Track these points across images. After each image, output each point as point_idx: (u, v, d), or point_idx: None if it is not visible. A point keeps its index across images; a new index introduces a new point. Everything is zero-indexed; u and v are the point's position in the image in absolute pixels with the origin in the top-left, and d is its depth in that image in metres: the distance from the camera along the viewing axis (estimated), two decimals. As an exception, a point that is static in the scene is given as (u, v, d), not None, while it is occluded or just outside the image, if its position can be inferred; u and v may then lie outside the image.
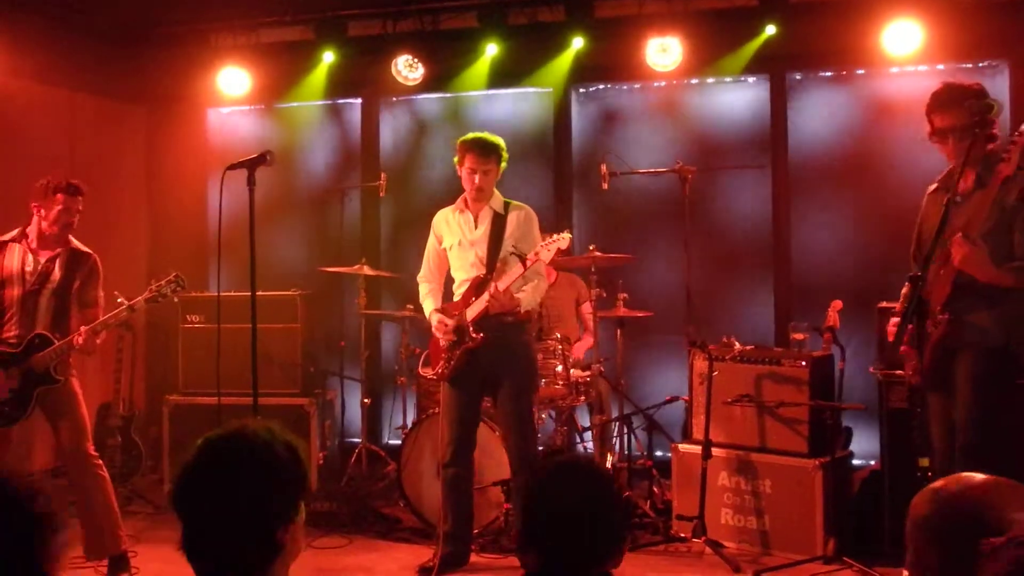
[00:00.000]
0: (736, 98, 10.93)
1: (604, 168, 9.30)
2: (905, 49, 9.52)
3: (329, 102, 12.04)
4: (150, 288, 7.74)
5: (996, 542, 2.30)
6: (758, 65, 10.36)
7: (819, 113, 10.61)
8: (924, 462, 5.38)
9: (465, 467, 7.86)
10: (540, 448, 8.38)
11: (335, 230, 10.72)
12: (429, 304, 8.03)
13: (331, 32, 11.10)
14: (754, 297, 10.67)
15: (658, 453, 9.56)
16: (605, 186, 9.35)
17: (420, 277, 8.15)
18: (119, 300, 7.64)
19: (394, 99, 11.91)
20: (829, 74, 10.66)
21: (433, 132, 11.84)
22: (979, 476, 2.77)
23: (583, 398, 9.18)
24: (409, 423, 9.58)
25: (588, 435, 9.55)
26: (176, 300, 8.01)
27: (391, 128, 12.02)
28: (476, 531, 8.16)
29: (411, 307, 9.52)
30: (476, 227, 7.83)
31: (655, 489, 9.13)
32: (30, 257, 7.53)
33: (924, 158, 9.29)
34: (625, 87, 11.34)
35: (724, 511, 8.36)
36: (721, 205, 10.72)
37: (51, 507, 2.66)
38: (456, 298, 7.90)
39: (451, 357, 7.75)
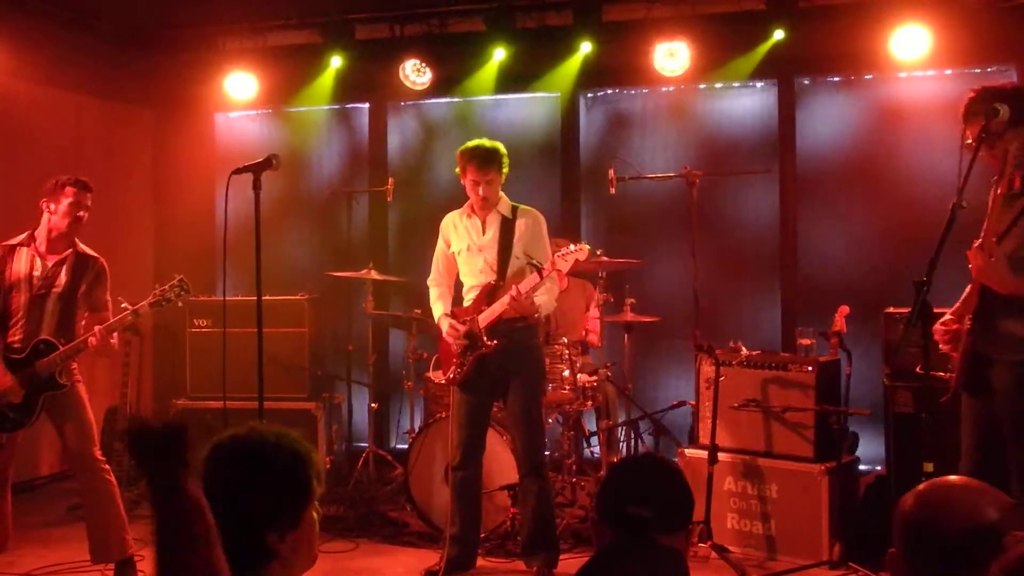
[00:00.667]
0: (744, 103, 10.92)
1: (612, 172, 9.29)
2: (913, 54, 9.50)
3: (337, 106, 12.04)
4: (154, 293, 7.71)
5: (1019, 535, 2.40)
6: (766, 70, 10.35)
7: (827, 118, 10.60)
8: (929, 467, 5.35)
9: (474, 471, 7.84)
10: (547, 453, 8.38)
11: (343, 234, 10.73)
12: (439, 309, 8.00)
13: (338, 36, 11.10)
14: (761, 302, 10.67)
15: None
16: (612, 190, 9.34)
17: (430, 281, 8.12)
18: (123, 305, 7.63)
19: (402, 103, 11.92)
20: (837, 79, 10.65)
21: (441, 136, 11.84)
22: (953, 478, 2.92)
23: (590, 403, 9.17)
24: (416, 427, 9.57)
25: (595, 439, 9.54)
26: (181, 304, 7.97)
27: (399, 132, 12.03)
28: (483, 535, 8.16)
29: (419, 311, 9.53)
30: (484, 232, 7.79)
31: (662, 493, 9.11)
32: (38, 261, 7.52)
33: (932, 163, 9.32)
34: (633, 92, 11.34)
35: (730, 516, 8.35)
36: (729, 210, 10.72)
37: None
38: (466, 303, 7.88)
39: (463, 362, 7.73)
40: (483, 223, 7.80)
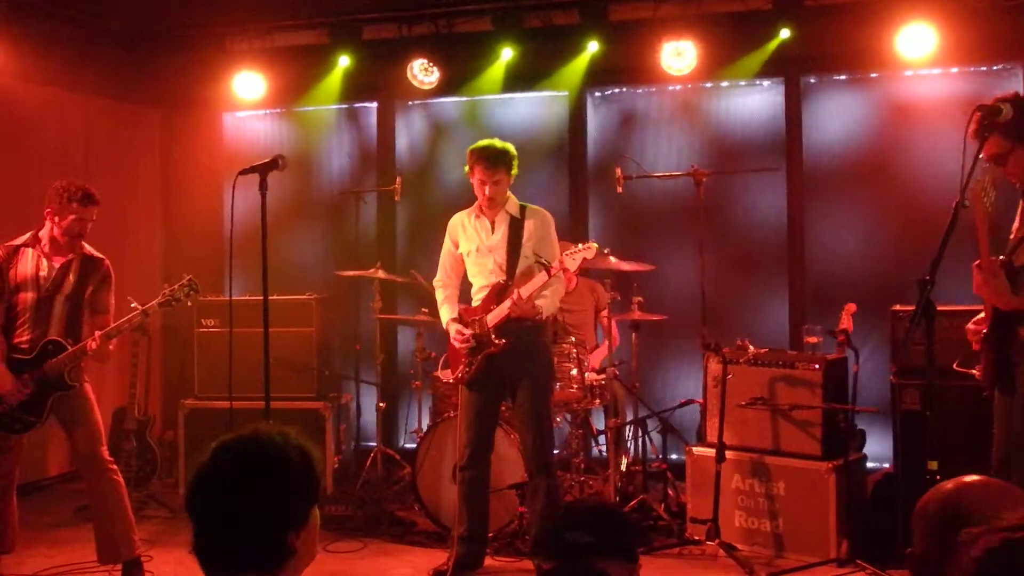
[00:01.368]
0: (751, 101, 10.92)
1: (619, 171, 9.31)
2: (919, 52, 9.51)
3: (345, 106, 12.05)
4: (163, 292, 7.71)
5: (975, 531, 2.37)
6: (773, 68, 10.36)
7: (834, 116, 10.59)
8: (933, 465, 5.35)
9: (482, 470, 7.85)
10: (556, 451, 8.39)
11: (351, 234, 10.74)
12: (446, 312, 8.00)
13: (346, 36, 11.11)
14: (769, 300, 10.67)
15: (673, 456, 9.58)
16: (620, 189, 9.36)
17: (436, 282, 8.13)
18: (132, 305, 7.63)
19: (410, 103, 11.93)
20: (844, 77, 10.65)
21: (449, 136, 11.84)
22: (974, 476, 2.90)
23: (598, 401, 9.17)
24: (424, 427, 9.59)
25: (603, 438, 9.55)
26: (190, 304, 7.97)
27: (407, 132, 12.03)
28: (491, 534, 8.17)
29: (426, 311, 9.54)
30: (493, 232, 7.80)
31: (670, 492, 9.16)
32: (44, 262, 7.50)
33: (938, 161, 9.32)
34: (640, 91, 11.34)
35: (738, 514, 8.36)
36: (736, 208, 10.72)
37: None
38: (475, 303, 7.89)
39: (471, 362, 7.74)
40: (492, 223, 7.80)
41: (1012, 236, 5.88)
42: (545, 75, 11.06)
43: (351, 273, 10.08)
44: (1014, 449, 5.83)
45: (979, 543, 2.29)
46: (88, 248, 7.66)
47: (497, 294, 7.67)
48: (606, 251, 9.02)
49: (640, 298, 9.32)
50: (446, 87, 11.14)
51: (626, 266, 9.11)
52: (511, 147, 7.75)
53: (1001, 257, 5.78)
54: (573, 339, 8.96)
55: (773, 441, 8.32)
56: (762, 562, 8.00)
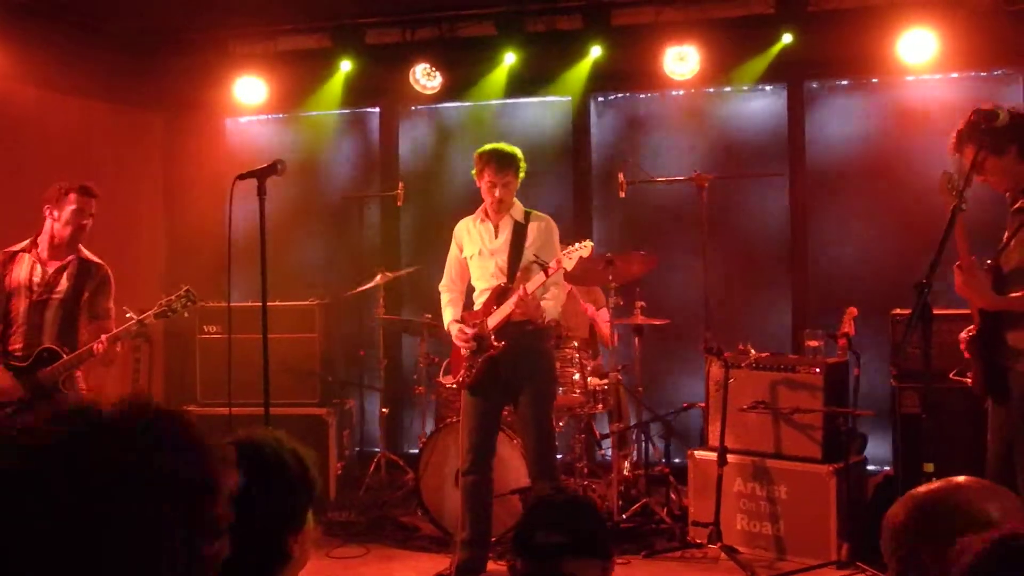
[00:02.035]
0: (754, 106, 10.94)
1: (622, 176, 9.32)
2: (920, 58, 9.53)
3: (347, 111, 12.05)
4: (160, 303, 7.64)
5: (970, 539, 2.34)
6: (775, 73, 10.38)
7: (836, 121, 10.61)
8: (929, 467, 5.36)
9: (484, 475, 7.85)
10: (559, 456, 8.40)
11: (354, 239, 10.77)
12: (449, 314, 8.03)
13: (348, 40, 11.12)
14: (772, 304, 10.68)
15: (675, 460, 9.59)
16: (622, 194, 9.37)
17: (441, 286, 8.15)
18: (128, 315, 7.61)
19: (413, 108, 11.94)
20: (846, 82, 10.68)
21: (452, 141, 11.86)
22: (959, 478, 2.85)
23: (601, 406, 9.19)
24: (428, 432, 9.59)
25: (606, 443, 9.57)
26: (187, 315, 7.97)
27: (410, 137, 12.04)
28: (494, 539, 8.17)
29: (430, 316, 9.55)
30: (497, 236, 7.83)
31: (672, 495, 9.18)
32: (39, 268, 7.40)
33: (939, 165, 9.27)
34: (643, 96, 11.36)
35: (739, 517, 8.38)
36: (739, 213, 10.73)
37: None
38: (476, 307, 7.92)
39: (472, 365, 7.76)
40: (496, 228, 7.83)
41: (1002, 243, 5.90)
42: (548, 80, 11.08)
43: (359, 289, 10.08)
44: (1010, 460, 5.83)
45: (974, 547, 2.29)
46: (86, 252, 7.59)
47: (497, 296, 7.69)
48: (608, 255, 9.03)
49: (643, 302, 9.34)
50: (449, 92, 11.15)
51: (627, 264, 9.11)
52: (519, 151, 7.79)
53: (988, 261, 5.80)
54: (576, 344, 8.97)
55: (774, 445, 8.34)
56: (763, 565, 8.03)
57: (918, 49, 9.49)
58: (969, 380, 6.10)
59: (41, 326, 7.42)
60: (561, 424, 8.96)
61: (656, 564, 8.08)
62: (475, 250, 7.89)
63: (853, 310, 8.41)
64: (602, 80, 11.00)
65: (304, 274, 11.56)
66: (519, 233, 7.77)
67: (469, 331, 7.73)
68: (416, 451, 9.69)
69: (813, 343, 8.61)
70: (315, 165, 12.12)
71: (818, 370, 8.21)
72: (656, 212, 10.86)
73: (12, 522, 1.59)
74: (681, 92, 11.02)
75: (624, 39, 10.60)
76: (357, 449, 10.91)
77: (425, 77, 10.92)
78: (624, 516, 8.75)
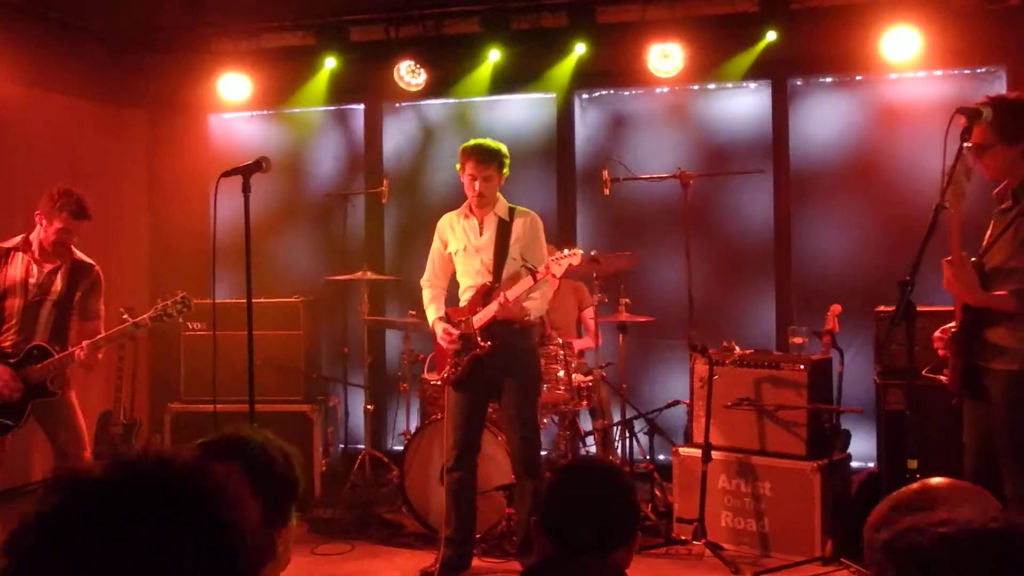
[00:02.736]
0: (738, 104, 10.95)
1: (606, 173, 9.33)
2: (904, 55, 9.54)
3: (332, 108, 12.04)
4: (156, 308, 7.72)
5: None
6: (759, 71, 10.39)
7: (820, 119, 10.63)
8: (913, 464, 5.38)
9: (469, 472, 7.86)
10: (543, 453, 8.41)
11: (339, 236, 10.75)
12: (432, 312, 8.03)
13: (333, 37, 11.10)
14: (756, 301, 10.69)
15: (660, 457, 9.60)
16: (607, 191, 9.38)
17: (424, 281, 8.15)
18: (124, 317, 7.64)
19: (397, 105, 11.93)
20: (830, 80, 10.69)
21: (437, 138, 11.84)
22: (935, 480, 2.83)
23: (585, 403, 9.21)
24: (412, 429, 9.59)
25: (590, 439, 9.58)
26: (182, 320, 7.99)
27: (394, 134, 12.03)
28: (478, 536, 8.19)
29: (414, 313, 9.55)
30: (481, 233, 7.83)
31: (657, 492, 9.19)
32: (34, 267, 7.50)
33: (923, 163, 9.34)
34: (628, 93, 11.36)
35: (724, 514, 8.40)
36: (723, 210, 10.74)
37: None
38: (461, 304, 7.92)
39: (458, 363, 7.77)
40: (480, 224, 7.83)
41: (985, 242, 5.91)
42: (533, 77, 11.07)
43: (340, 278, 10.09)
44: (993, 456, 5.84)
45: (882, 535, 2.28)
46: (78, 254, 7.67)
47: (483, 296, 7.70)
48: (593, 253, 9.06)
49: (627, 299, 9.35)
50: (433, 89, 11.13)
51: (612, 262, 9.14)
52: (504, 147, 7.79)
53: (973, 259, 5.81)
54: (560, 341, 8.97)
55: (759, 441, 8.36)
56: (748, 561, 8.04)
57: (902, 47, 9.50)
58: (943, 377, 6.11)
59: (35, 325, 7.50)
60: (546, 421, 8.96)
61: (641, 561, 8.07)
62: (459, 246, 7.89)
63: (837, 307, 8.44)
64: (587, 77, 11.00)
65: (288, 271, 11.54)
66: (503, 230, 7.77)
67: (455, 331, 7.73)
68: (401, 448, 9.69)
69: (797, 340, 8.64)
70: (299, 162, 12.11)
71: (802, 367, 8.23)
72: (640, 209, 10.85)
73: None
74: (666, 89, 11.02)
75: (609, 36, 10.60)
76: (342, 446, 10.88)
77: (409, 74, 10.90)
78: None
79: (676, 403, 9.27)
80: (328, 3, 10.94)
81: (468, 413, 7.83)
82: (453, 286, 8.10)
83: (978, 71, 10.02)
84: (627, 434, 9.39)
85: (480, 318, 7.64)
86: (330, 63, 11.18)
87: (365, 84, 11.55)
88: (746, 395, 8.39)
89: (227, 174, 6.29)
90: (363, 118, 12.02)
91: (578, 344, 9.82)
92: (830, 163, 10.53)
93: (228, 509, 1.94)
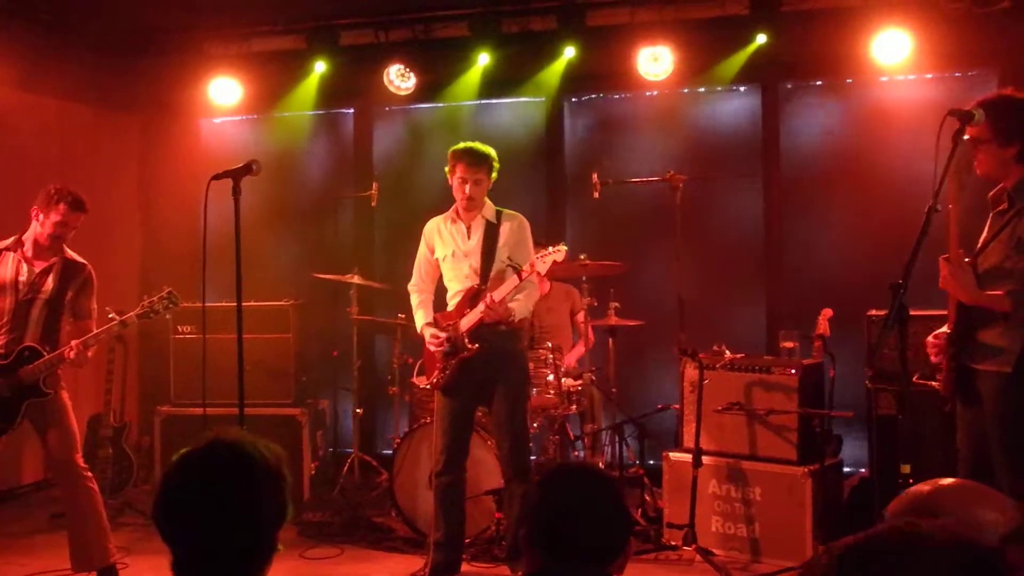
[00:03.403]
0: (728, 107, 10.96)
1: (595, 177, 9.32)
2: (895, 59, 9.57)
3: (322, 112, 12.03)
4: (142, 304, 7.69)
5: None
6: (749, 74, 10.40)
7: (810, 122, 10.65)
8: (905, 468, 5.36)
9: (458, 476, 7.82)
10: (532, 457, 8.39)
11: (328, 240, 10.74)
12: (420, 317, 7.99)
13: (323, 41, 11.10)
14: (746, 305, 10.69)
15: (650, 461, 9.60)
16: (596, 195, 9.36)
17: (411, 286, 8.11)
18: (111, 316, 7.61)
19: (387, 108, 11.92)
20: (820, 83, 10.70)
21: (426, 142, 11.81)
22: (948, 480, 2.82)
23: (575, 407, 9.18)
24: (402, 433, 9.57)
25: (580, 443, 9.56)
26: (168, 317, 7.96)
27: (384, 138, 12.02)
28: (467, 540, 8.16)
29: (403, 316, 9.53)
30: (469, 237, 7.79)
31: (647, 497, 9.16)
32: (24, 267, 7.47)
33: (914, 166, 9.35)
34: (617, 96, 11.37)
35: (714, 519, 8.37)
36: (713, 214, 10.74)
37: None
38: (450, 308, 7.88)
39: (446, 367, 7.73)
40: (468, 228, 7.79)
41: (980, 243, 5.91)
42: (522, 81, 11.08)
43: (328, 277, 10.06)
44: (987, 461, 5.82)
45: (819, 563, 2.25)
46: (70, 253, 7.65)
47: (471, 299, 7.66)
48: (583, 256, 9.05)
49: (617, 303, 9.34)
50: (423, 93, 11.14)
51: (598, 268, 9.13)
52: (493, 151, 7.76)
53: (967, 259, 5.80)
54: (550, 344, 8.95)
55: (750, 446, 8.34)
56: (738, 567, 8.03)
57: (892, 50, 9.52)
58: (935, 383, 6.10)
59: (26, 325, 7.47)
60: (535, 425, 8.94)
61: (630, 566, 7.90)
62: (447, 251, 7.84)
63: (828, 311, 8.43)
64: (576, 81, 11.00)
65: (278, 274, 11.52)
66: (491, 233, 7.74)
67: (442, 335, 7.70)
68: (390, 452, 9.66)
69: (788, 344, 8.62)
70: (289, 166, 12.09)
71: (793, 371, 8.21)
72: (630, 213, 10.84)
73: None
74: (655, 93, 11.02)
75: (598, 40, 10.61)
76: (331, 450, 10.88)
77: (399, 78, 10.91)
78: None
79: (666, 407, 9.24)
80: (318, 7, 10.93)
81: (457, 417, 7.80)
82: (441, 290, 8.06)
83: (968, 74, 10.03)
84: (617, 438, 9.37)
85: (467, 321, 7.61)
86: (320, 67, 11.19)
87: (355, 88, 11.55)
88: (737, 399, 8.36)
89: (218, 177, 6.27)
90: (353, 122, 12.04)
91: (571, 356, 9.79)
92: (820, 166, 10.54)
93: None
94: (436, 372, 7.81)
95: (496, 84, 11.11)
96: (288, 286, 10.91)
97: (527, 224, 7.90)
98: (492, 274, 7.68)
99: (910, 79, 10.13)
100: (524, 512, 7.39)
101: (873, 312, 8.32)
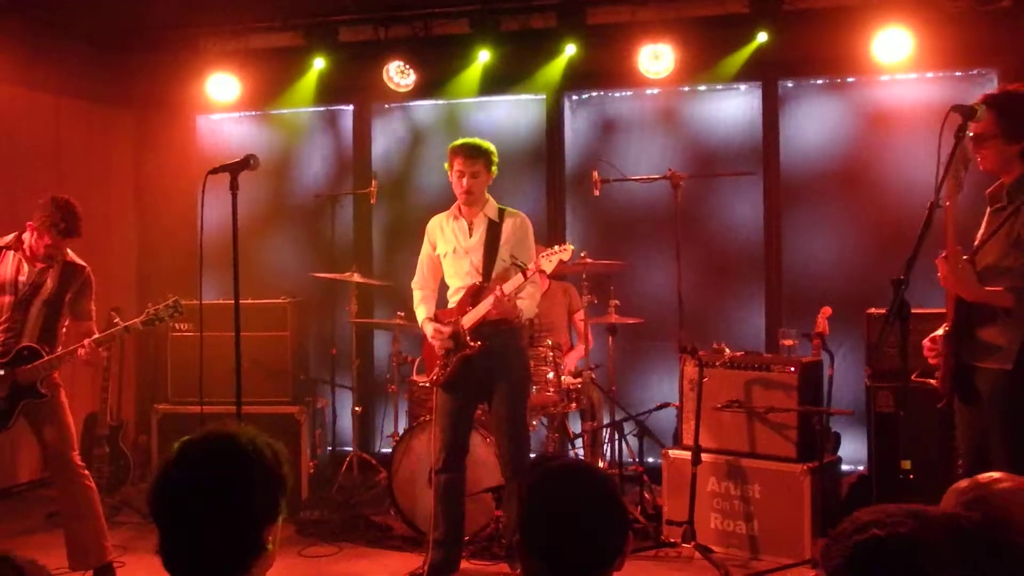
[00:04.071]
0: (728, 105, 10.93)
1: (595, 175, 9.30)
2: (896, 57, 9.54)
3: (321, 108, 12.01)
4: (147, 312, 7.67)
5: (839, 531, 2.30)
6: (750, 72, 10.38)
7: (811, 120, 10.61)
8: (906, 464, 5.35)
9: (457, 473, 7.82)
10: (532, 455, 8.37)
11: (327, 237, 10.70)
12: (422, 312, 7.97)
13: (322, 38, 11.08)
14: (746, 303, 10.67)
15: (649, 459, 9.60)
16: (596, 193, 9.34)
17: (414, 283, 8.09)
18: (115, 321, 7.60)
19: (386, 106, 11.89)
20: (821, 82, 10.67)
21: (426, 139, 11.82)
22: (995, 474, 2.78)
23: (574, 405, 9.18)
24: (400, 431, 9.54)
25: (579, 442, 9.54)
26: (172, 324, 7.96)
27: (383, 135, 12.00)
28: (467, 538, 8.14)
29: (402, 314, 9.52)
30: (471, 235, 7.77)
31: (646, 495, 9.15)
32: (25, 266, 7.45)
33: (914, 165, 9.34)
34: (618, 94, 11.33)
35: (713, 516, 8.36)
36: (713, 212, 10.72)
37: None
38: (451, 305, 7.86)
39: (447, 364, 7.71)
40: (470, 226, 7.78)
41: (977, 241, 5.89)
42: (522, 78, 11.05)
43: (327, 276, 10.04)
44: (987, 459, 5.80)
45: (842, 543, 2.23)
46: (71, 254, 7.62)
47: (472, 296, 7.64)
48: (583, 254, 9.04)
49: (617, 301, 9.33)
50: (423, 90, 11.11)
51: (597, 266, 9.11)
52: (492, 147, 7.74)
53: (965, 257, 5.78)
54: (550, 342, 8.93)
55: (749, 444, 8.33)
56: (737, 564, 8.02)
57: (893, 48, 9.50)
58: (933, 381, 6.08)
59: (24, 324, 7.46)
60: (535, 423, 8.93)
61: (629, 563, 7.90)
62: (449, 248, 7.83)
63: (827, 309, 8.40)
64: (576, 78, 10.98)
65: (276, 272, 11.50)
66: (493, 231, 7.72)
67: (445, 330, 7.67)
68: (388, 450, 9.64)
69: (787, 342, 8.62)
70: (288, 163, 12.08)
71: (793, 369, 8.19)
72: (630, 211, 10.83)
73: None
74: (656, 91, 10.99)
75: (599, 37, 10.59)
76: (329, 448, 10.84)
77: (399, 75, 10.88)
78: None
79: (665, 405, 9.24)
80: (317, 3, 10.91)
81: (457, 415, 7.78)
82: (444, 289, 8.04)
83: (969, 73, 10.01)
84: (616, 436, 9.37)
85: (470, 318, 7.59)
86: (319, 64, 11.16)
87: (354, 85, 11.52)
88: (736, 397, 8.36)
89: (215, 171, 6.24)
90: (352, 119, 11.99)
91: (570, 357, 9.78)
92: (821, 165, 10.51)
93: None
94: (436, 369, 7.79)
95: (496, 81, 11.08)
96: (286, 283, 10.89)
97: (529, 223, 7.88)
98: (495, 274, 7.66)
99: (911, 78, 10.11)
100: (517, 520, 7.41)
101: (872, 310, 8.31)
